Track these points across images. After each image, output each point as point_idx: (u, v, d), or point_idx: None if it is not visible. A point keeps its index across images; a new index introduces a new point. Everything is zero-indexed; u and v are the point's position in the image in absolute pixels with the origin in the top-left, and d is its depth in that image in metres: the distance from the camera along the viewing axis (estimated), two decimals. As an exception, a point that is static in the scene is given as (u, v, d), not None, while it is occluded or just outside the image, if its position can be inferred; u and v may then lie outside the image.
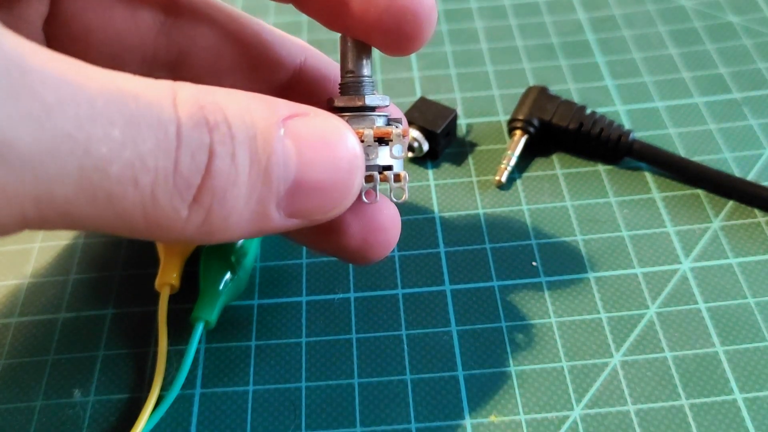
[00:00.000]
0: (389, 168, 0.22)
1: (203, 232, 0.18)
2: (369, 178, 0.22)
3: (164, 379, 0.26)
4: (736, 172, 0.31)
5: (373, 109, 0.22)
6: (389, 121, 0.23)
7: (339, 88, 0.23)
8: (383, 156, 0.22)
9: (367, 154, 0.21)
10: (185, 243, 0.18)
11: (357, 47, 0.23)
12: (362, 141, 0.21)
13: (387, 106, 0.23)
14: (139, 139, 0.16)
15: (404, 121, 0.25)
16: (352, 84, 0.23)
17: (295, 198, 0.19)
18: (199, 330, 0.26)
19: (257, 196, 0.18)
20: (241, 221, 0.18)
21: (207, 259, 0.28)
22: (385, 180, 0.22)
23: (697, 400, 0.25)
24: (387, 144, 0.22)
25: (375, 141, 0.21)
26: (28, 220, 0.15)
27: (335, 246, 0.24)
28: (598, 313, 0.27)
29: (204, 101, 0.17)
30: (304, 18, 0.39)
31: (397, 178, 0.22)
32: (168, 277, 0.28)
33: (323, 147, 0.19)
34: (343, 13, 0.22)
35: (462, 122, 0.35)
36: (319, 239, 0.24)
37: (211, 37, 0.24)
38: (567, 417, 0.25)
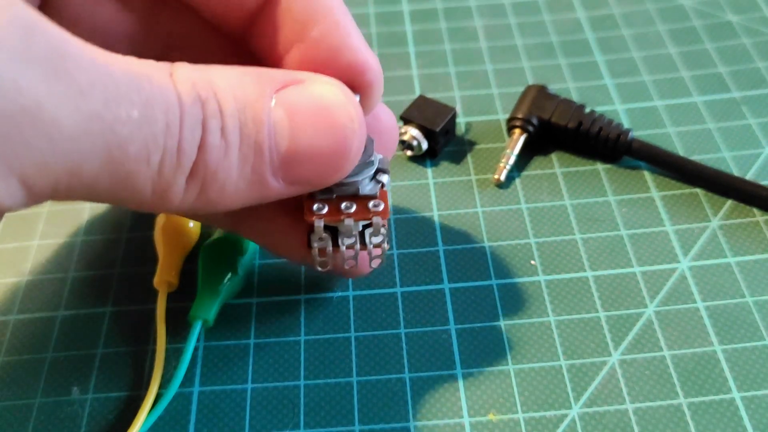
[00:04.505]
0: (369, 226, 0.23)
1: (203, 202, 0.19)
2: (350, 247, 0.23)
3: (163, 376, 0.26)
4: (735, 171, 0.31)
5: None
6: (377, 172, 0.23)
7: None
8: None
9: (348, 232, 0.22)
10: (189, 214, 0.19)
11: None
12: (341, 230, 0.22)
13: (370, 160, 0.22)
14: (152, 119, 0.17)
15: (387, 162, 0.24)
16: None
17: (292, 165, 0.20)
18: (196, 329, 0.26)
19: (251, 165, 0.19)
20: (238, 190, 0.19)
21: (205, 257, 0.28)
22: (364, 249, 0.23)
23: (696, 399, 0.25)
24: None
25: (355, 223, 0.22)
26: (59, 190, 0.17)
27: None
28: (597, 311, 0.27)
29: (196, 78, 0.18)
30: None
31: (378, 247, 0.23)
32: (167, 275, 0.28)
33: (316, 114, 0.20)
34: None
35: (461, 120, 0.35)
36: (308, 255, 0.25)
37: (199, 23, 0.24)
38: (565, 415, 0.25)
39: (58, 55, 0.16)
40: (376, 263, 0.24)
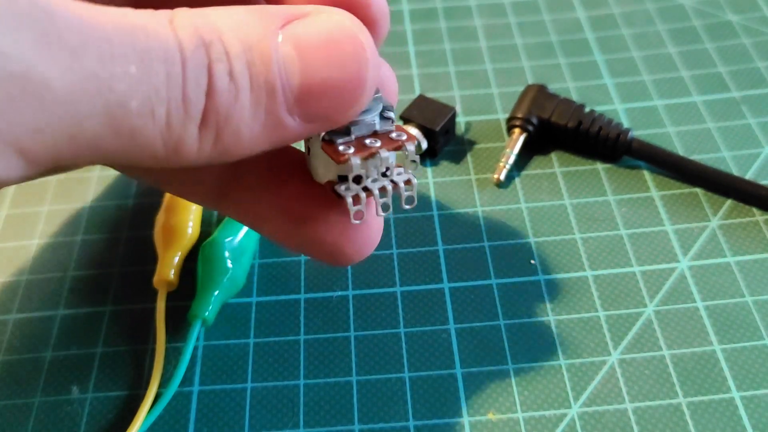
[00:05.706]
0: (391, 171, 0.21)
1: (219, 151, 0.18)
2: (383, 190, 0.21)
3: (162, 376, 0.26)
4: (735, 171, 0.31)
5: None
6: (383, 113, 0.21)
7: None
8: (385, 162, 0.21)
9: (375, 167, 0.21)
10: (207, 165, 0.19)
11: None
12: (368, 171, 0.21)
13: (378, 96, 0.21)
14: (152, 72, 0.16)
15: (388, 101, 0.23)
16: None
17: (307, 101, 0.19)
18: (196, 328, 0.26)
19: (264, 107, 0.18)
20: (254, 134, 0.19)
21: (205, 256, 0.28)
22: (396, 188, 0.22)
23: (695, 399, 0.25)
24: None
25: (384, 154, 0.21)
26: (62, 156, 0.16)
27: (310, 238, 0.23)
28: (596, 311, 0.27)
29: (198, 23, 0.17)
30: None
31: (408, 183, 0.22)
32: (166, 274, 0.28)
33: (326, 45, 0.19)
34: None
35: (461, 120, 0.35)
36: (294, 229, 0.23)
37: None
38: (565, 415, 0.25)
39: (43, 14, 0.15)
40: (410, 203, 0.22)
